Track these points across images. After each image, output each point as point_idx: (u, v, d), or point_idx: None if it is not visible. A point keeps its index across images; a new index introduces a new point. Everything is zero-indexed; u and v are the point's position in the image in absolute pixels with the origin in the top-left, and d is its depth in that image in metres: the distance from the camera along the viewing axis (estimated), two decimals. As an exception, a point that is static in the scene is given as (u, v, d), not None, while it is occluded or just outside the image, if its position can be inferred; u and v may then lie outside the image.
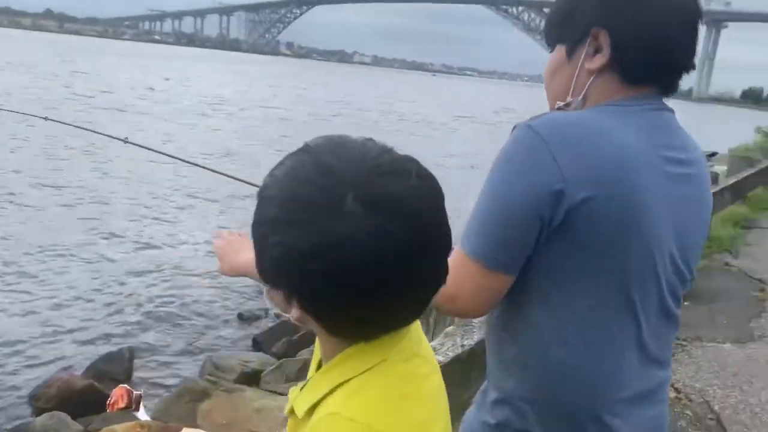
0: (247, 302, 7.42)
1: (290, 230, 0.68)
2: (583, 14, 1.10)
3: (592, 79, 1.10)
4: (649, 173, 1.01)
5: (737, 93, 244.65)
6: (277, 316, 6.71)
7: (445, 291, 0.87)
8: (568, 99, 1.13)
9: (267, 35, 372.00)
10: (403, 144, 0.80)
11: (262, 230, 0.71)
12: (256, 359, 5.68)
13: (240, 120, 25.87)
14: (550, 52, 1.19)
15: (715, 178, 7.91)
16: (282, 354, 5.74)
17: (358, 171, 0.67)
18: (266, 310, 7.26)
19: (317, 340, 0.94)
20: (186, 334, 6.37)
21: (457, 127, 33.37)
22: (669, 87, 1.12)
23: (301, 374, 5.05)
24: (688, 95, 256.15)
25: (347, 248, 0.65)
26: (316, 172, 0.68)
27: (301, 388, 0.81)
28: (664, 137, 1.07)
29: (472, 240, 1.03)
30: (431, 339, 2.38)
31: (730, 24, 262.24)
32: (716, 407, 3.43)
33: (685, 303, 5.31)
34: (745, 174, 8.77)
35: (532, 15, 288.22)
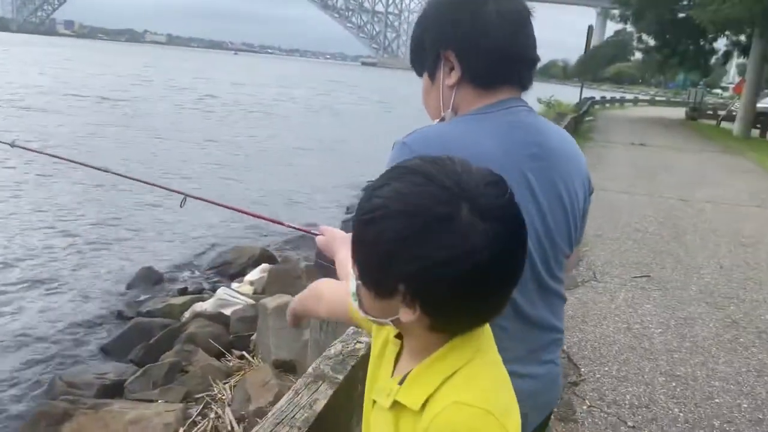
0: (83, 309, 6.86)
1: (422, 245, 0.76)
2: (431, 42, 1.29)
3: (453, 92, 1.28)
4: (507, 171, 1.11)
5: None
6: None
7: None
8: (442, 114, 1.31)
9: (40, 13, 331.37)
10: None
11: (388, 248, 0.78)
12: (111, 369, 5.34)
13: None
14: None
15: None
16: (140, 360, 5.45)
17: (468, 184, 0.78)
18: (104, 317, 6.79)
19: (374, 335, 1.03)
20: (22, 355, 5.74)
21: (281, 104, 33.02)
22: (523, 82, 1.30)
23: (168, 378, 4.87)
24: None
25: (474, 255, 0.75)
26: (432, 188, 0.77)
27: (400, 382, 0.88)
28: (520, 134, 1.22)
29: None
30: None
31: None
32: (564, 347, 4.01)
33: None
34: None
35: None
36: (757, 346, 4.19)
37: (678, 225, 7.50)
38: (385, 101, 44.34)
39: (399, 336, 0.97)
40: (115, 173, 2.55)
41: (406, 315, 0.82)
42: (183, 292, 7.36)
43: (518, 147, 1.21)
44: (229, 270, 8.10)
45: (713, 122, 28.21)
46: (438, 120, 1.32)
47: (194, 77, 51.95)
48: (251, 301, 6.41)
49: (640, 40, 29.90)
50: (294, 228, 1.88)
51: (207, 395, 4.48)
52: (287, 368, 4.67)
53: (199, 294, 7.21)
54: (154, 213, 10.60)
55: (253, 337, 5.50)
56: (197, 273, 8.33)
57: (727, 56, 29.42)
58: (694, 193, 9.77)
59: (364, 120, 30.03)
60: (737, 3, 16.97)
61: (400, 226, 0.77)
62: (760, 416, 3.33)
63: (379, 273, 0.81)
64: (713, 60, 30.59)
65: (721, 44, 27.84)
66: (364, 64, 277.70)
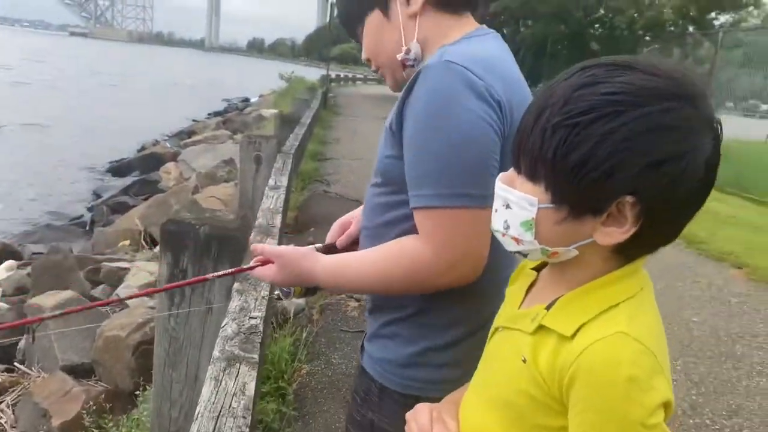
0: None
1: (660, 141, 0.69)
2: None
3: (417, 23, 1.16)
4: (527, 97, 1.13)
5: (243, 43, 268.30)
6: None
7: (442, 261, 1.00)
8: (405, 47, 1.17)
9: None
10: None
11: (621, 148, 0.69)
12: None
13: None
14: (356, 34, 1.25)
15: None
16: None
17: (686, 80, 0.73)
18: None
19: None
20: None
21: None
22: (479, 10, 1.22)
23: None
24: (201, 45, 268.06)
25: (705, 150, 0.71)
26: (661, 81, 0.71)
27: (546, 307, 0.80)
28: (511, 57, 1.19)
29: (455, 187, 1.01)
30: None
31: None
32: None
33: (312, 229, 6.03)
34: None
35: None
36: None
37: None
38: (104, 73, 40.28)
39: (536, 268, 0.91)
40: None
41: (610, 236, 0.74)
42: None
43: (517, 70, 1.17)
44: (-43, 275, 6.62)
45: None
46: (402, 57, 1.18)
47: None
48: (4, 305, 5.34)
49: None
50: (222, 275, 1.40)
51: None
52: (81, 373, 4.02)
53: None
54: None
55: (21, 345, 4.61)
56: None
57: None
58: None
59: (86, 96, 26.82)
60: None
61: (637, 120, 0.69)
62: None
63: (600, 184, 0.71)
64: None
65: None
66: (73, 34, 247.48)
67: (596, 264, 0.79)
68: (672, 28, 19.70)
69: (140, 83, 36.88)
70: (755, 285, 5.03)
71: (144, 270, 5.18)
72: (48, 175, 11.81)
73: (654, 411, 0.70)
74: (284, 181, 4.07)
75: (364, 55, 1.28)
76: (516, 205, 0.78)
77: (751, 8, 20.29)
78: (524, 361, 0.79)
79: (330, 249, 1.34)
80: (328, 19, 25.25)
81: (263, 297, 2.19)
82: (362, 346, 1.31)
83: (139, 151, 14.32)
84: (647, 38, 20.21)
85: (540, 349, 0.78)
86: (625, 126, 0.69)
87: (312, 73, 32.74)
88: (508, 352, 0.84)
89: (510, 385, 0.82)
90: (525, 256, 0.82)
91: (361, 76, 41.77)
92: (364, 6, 1.21)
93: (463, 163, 1.00)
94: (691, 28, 19.58)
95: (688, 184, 0.71)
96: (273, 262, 1.18)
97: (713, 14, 19.72)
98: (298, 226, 6.09)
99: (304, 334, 3.59)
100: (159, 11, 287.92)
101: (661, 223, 0.74)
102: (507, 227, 0.80)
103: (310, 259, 1.17)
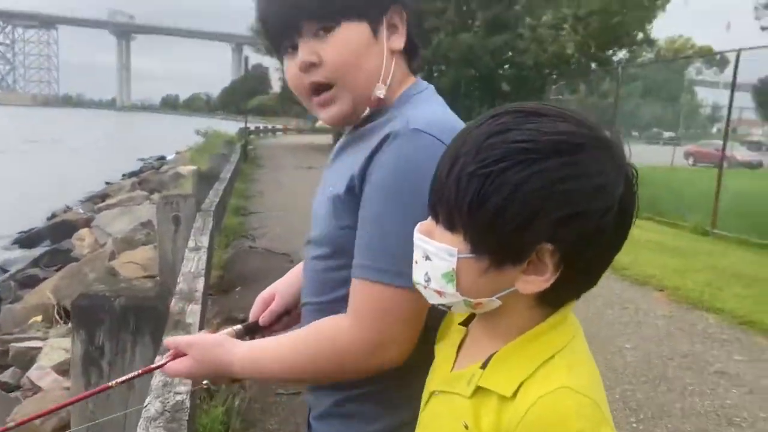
0: None
1: (575, 186, 0.69)
2: None
3: (393, 63, 1.05)
4: None
5: (157, 100, 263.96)
6: None
7: (367, 341, 0.92)
8: (378, 84, 1.03)
9: None
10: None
11: (535, 196, 0.68)
12: None
13: None
14: (323, 29, 1.00)
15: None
16: None
17: (605, 137, 0.74)
18: None
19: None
20: None
21: None
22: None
23: None
24: (112, 105, 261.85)
25: (617, 190, 0.71)
26: (570, 125, 0.72)
27: (482, 366, 0.76)
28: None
29: (402, 269, 0.88)
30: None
31: (138, 36, 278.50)
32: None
33: (238, 288, 5.82)
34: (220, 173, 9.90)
35: None
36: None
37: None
38: (6, 139, 38.43)
39: (463, 323, 0.88)
40: None
41: (531, 284, 0.72)
42: None
43: None
44: None
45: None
46: (381, 92, 1.03)
47: None
48: None
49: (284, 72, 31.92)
50: (129, 379, 1.12)
51: None
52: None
53: None
54: None
55: None
56: None
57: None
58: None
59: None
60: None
61: (552, 169, 0.68)
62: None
63: (518, 233, 0.69)
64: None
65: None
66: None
67: (522, 313, 0.76)
68: (575, 66, 20.94)
69: (47, 147, 35.35)
70: (677, 306, 5.23)
71: (59, 348, 4.79)
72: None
73: None
74: (205, 241, 3.91)
75: (316, 59, 1.01)
76: (435, 257, 0.75)
77: (644, 45, 21.93)
78: (466, 427, 0.75)
79: (252, 329, 1.20)
80: (243, 72, 25.28)
81: (189, 370, 2.05)
82: (309, 425, 1.18)
83: (48, 219, 13.57)
84: (553, 76, 21.35)
85: (482, 413, 0.74)
86: (539, 174, 0.68)
87: (230, 127, 32.39)
88: (447, 418, 0.79)
89: None
90: (449, 308, 0.79)
91: (281, 128, 41.87)
92: (348, 9, 1.00)
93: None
94: (593, 65, 20.91)
95: (606, 224, 0.70)
96: (185, 354, 1.04)
97: (612, 51, 21.14)
98: (224, 286, 5.86)
99: (237, 402, 3.40)
100: (65, 72, 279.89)
101: (581, 269, 0.73)
102: (428, 279, 0.77)
103: (225, 346, 1.03)
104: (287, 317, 1.23)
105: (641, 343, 4.35)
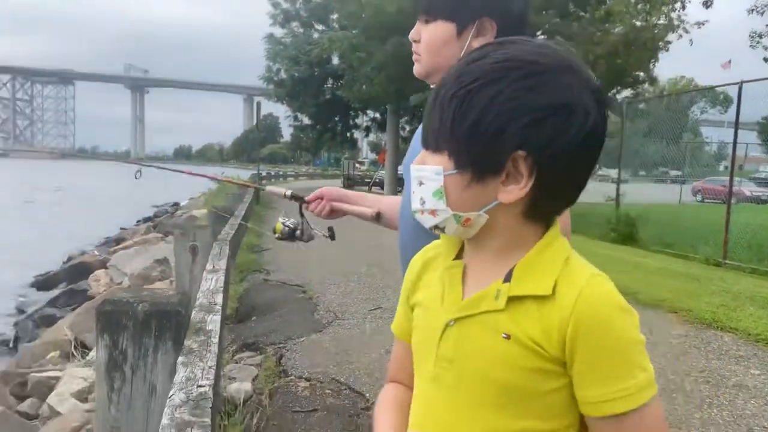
0: None
1: (545, 94, 0.78)
2: (477, 3, 1.33)
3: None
4: None
5: (170, 151, 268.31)
6: None
7: None
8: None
9: None
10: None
11: (508, 107, 0.77)
12: None
13: None
14: (426, 20, 1.39)
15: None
16: None
17: (573, 59, 0.82)
18: None
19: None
20: None
21: None
22: None
23: None
24: (127, 156, 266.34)
25: (589, 110, 0.79)
26: (546, 48, 0.82)
27: (504, 281, 0.83)
28: None
29: None
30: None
31: (151, 89, 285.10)
32: (342, 379, 4.00)
33: (254, 318, 5.87)
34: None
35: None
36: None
37: (382, 263, 8.21)
38: (23, 190, 39.11)
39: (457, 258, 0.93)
40: None
41: (510, 193, 0.80)
42: None
43: None
44: None
45: (365, 188, 32.20)
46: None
47: None
48: None
49: (296, 119, 32.64)
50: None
51: None
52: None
53: None
54: None
55: None
56: None
57: (368, 130, 34.06)
58: (380, 234, 10.88)
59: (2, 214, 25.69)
60: (376, 84, 19.95)
61: (519, 81, 0.77)
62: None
63: (493, 142, 0.78)
64: (356, 134, 35.15)
65: (362, 121, 32.18)
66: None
67: (515, 230, 0.84)
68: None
69: (63, 197, 35.92)
70: (692, 326, 5.21)
71: (77, 377, 4.85)
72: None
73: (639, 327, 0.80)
74: (222, 264, 4.00)
75: (417, 37, 1.42)
76: (426, 179, 0.84)
77: (646, 84, 22.19)
78: (508, 337, 0.81)
79: (297, 197, 1.94)
80: (255, 122, 25.85)
81: (210, 367, 2.12)
82: None
83: (65, 262, 13.73)
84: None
85: (522, 319, 0.81)
86: (508, 87, 0.77)
87: (242, 174, 32.82)
88: (480, 336, 0.84)
89: (495, 368, 0.82)
90: (443, 230, 0.86)
91: (293, 173, 42.41)
92: (445, 11, 1.35)
93: None
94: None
95: (573, 136, 0.78)
96: None
97: (615, 90, 21.40)
98: (240, 316, 5.93)
99: (255, 420, 3.42)
100: (81, 126, 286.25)
101: (555, 179, 0.80)
102: (423, 202, 0.85)
103: None
104: (322, 202, 1.84)
105: (657, 360, 4.33)
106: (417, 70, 1.45)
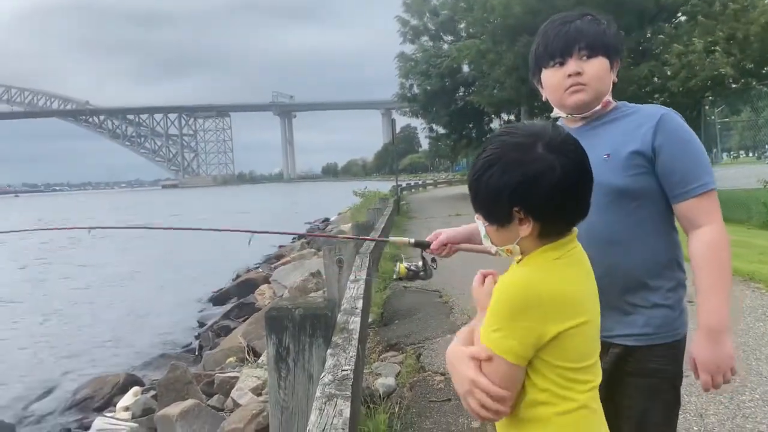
0: None
1: (520, 172, 1.16)
2: (620, 43, 1.78)
3: (611, 85, 1.78)
4: None
5: (318, 170, 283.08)
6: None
7: (725, 232, 1.68)
8: (606, 98, 1.75)
9: None
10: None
11: (498, 185, 1.18)
12: None
13: None
14: (587, 56, 1.71)
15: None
16: None
17: (541, 131, 1.21)
18: None
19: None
20: None
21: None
22: None
23: None
24: (280, 177, 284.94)
25: (554, 168, 1.16)
26: (517, 138, 1.20)
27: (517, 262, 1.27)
28: None
29: (712, 175, 1.73)
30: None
31: (298, 114, 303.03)
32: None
33: (396, 321, 6.45)
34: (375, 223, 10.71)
35: (116, 122, 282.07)
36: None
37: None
38: (191, 215, 43.38)
39: None
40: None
41: (525, 230, 1.21)
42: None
43: None
44: (93, 404, 7.43)
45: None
46: (608, 98, 1.75)
47: (-24, 224, 46.32)
48: (134, 425, 6.00)
49: (431, 130, 33.40)
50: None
51: None
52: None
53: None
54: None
55: (154, 455, 5.17)
56: (52, 418, 7.48)
57: (503, 134, 33.68)
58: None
59: (176, 239, 27.97)
60: (507, 86, 20.03)
61: (500, 166, 1.19)
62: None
63: (497, 206, 1.21)
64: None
65: (497, 125, 32.12)
66: (164, 187, 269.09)
67: (532, 242, 1.24)
68: (732, 86, 19.61)
69: (223, 220, 38.94)
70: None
71: (252, 376, 5.73)
72: (158, 311, 12.96)
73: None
74: (363, 274, 4.60)
75: (580, 70, 1.70)
76: (480, 228, 1.30)
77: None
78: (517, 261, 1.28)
79: (422, 244, 2.17)
80: (392, 138, 26.77)
81: (351, 357, 2.66)
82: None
83: (234, 279, 15.44)
84: (709, 97, 20.15)
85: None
86: (497, 171, 1.18)
87: (384, 186, 34.14)
88: None
89: None
90: (500, 255, 1.30)
91: (431, 182, 43.01)
92: (607, 51, 1.72)
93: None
94: (753, 82, 19.40)
95: (547, 189, 1.15)
96: None
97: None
98: (384, 321, 6.52)
99: (396, 408, 3.96)
100: (238, 153, 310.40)
101: (547, 215, 1.19)
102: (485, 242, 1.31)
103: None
104: (446, 247, 2.07)
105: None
106: (582, 98, 1.72)
